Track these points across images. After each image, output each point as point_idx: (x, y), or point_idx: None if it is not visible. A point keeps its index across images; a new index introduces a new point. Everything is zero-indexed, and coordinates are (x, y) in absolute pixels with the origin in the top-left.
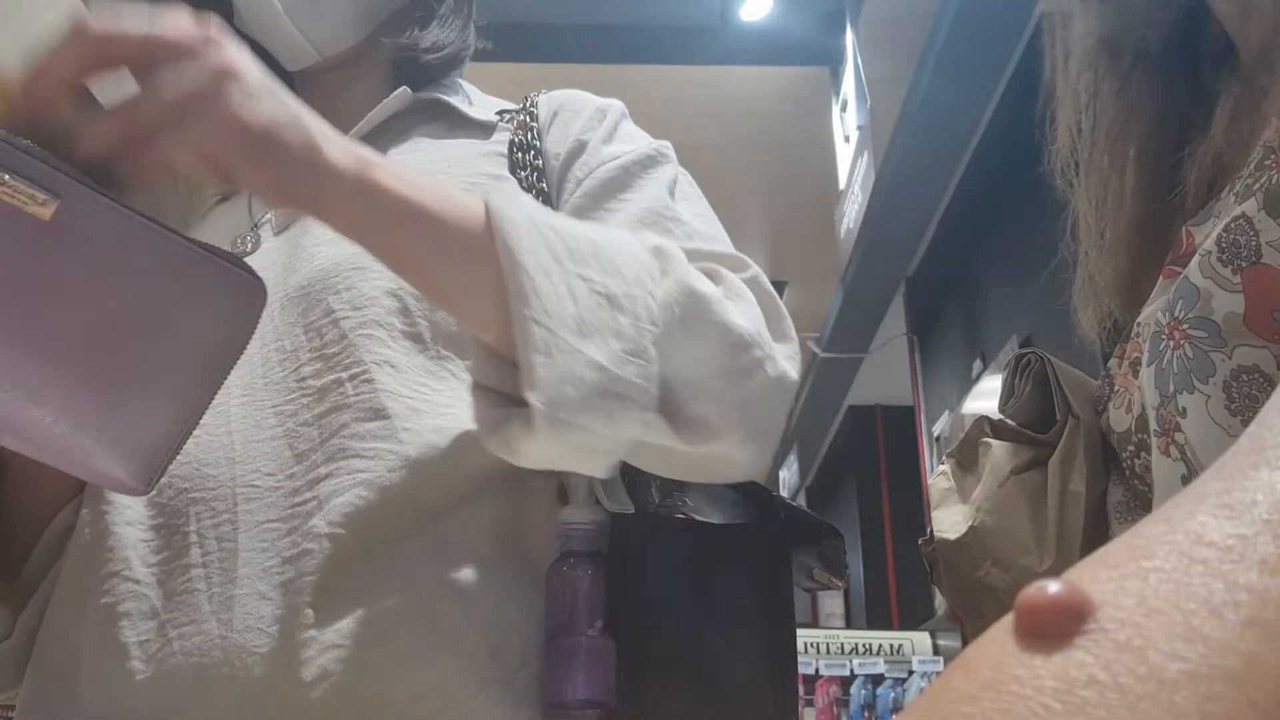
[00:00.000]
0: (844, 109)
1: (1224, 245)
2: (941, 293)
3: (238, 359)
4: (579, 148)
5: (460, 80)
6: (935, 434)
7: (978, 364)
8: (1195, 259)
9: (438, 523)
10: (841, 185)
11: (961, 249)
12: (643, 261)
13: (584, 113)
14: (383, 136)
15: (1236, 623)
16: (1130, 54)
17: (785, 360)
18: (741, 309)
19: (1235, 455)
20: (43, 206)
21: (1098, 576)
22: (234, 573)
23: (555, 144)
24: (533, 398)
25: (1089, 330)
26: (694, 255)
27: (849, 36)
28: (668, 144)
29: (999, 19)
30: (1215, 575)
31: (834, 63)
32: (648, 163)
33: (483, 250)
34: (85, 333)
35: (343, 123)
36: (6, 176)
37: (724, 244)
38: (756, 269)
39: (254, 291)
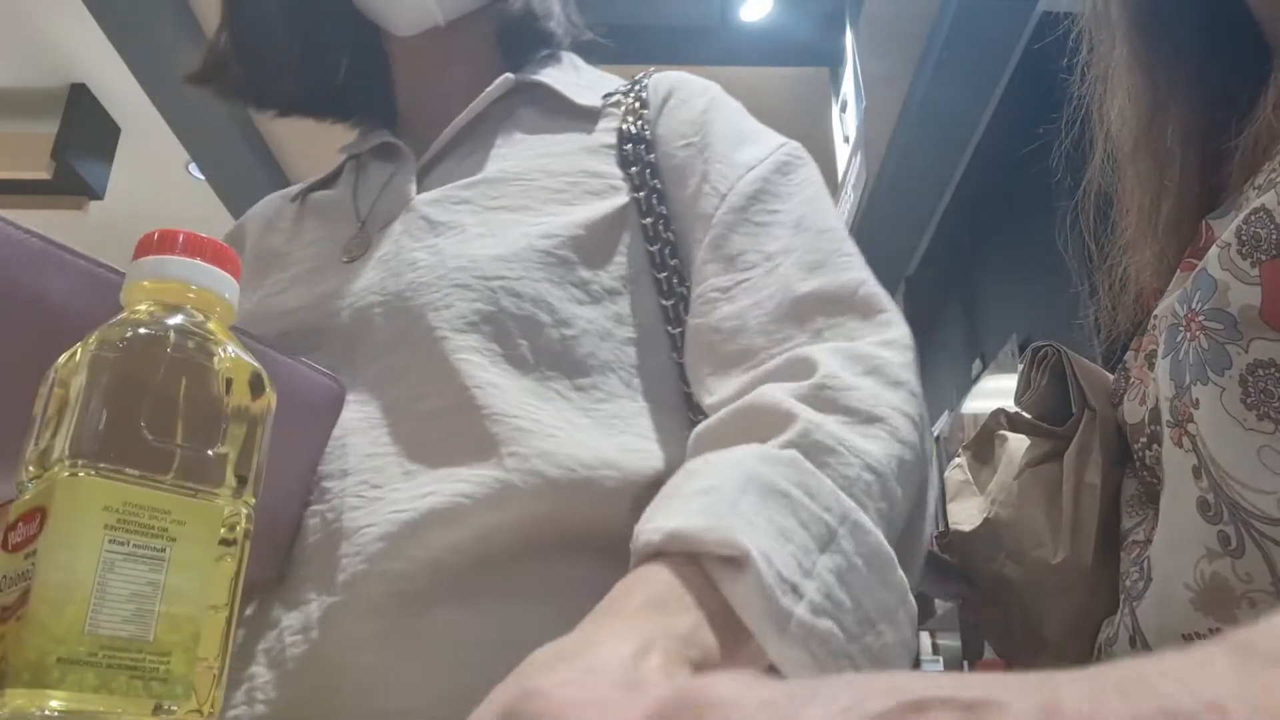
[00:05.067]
0: (843, 109)
1: (1244, 238)
2: (941, 293)
3: (324, 449)
4: (701, 147)
5: (567, 54)
6: (935, 434)
7: (977, 364)
8: (1214, 251)
9: (544, 541)
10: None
11: (961, 249)
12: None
13: (694, 102)
14: (483, 123)
15: None
16: (1164, 40)
17: (908, 431)
18: (876, 443)
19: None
20: None
21: None
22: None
23: (669, 138)
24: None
25: (1119, 324)
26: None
27: (848, 37)
28: (797, 144)
29: (999, 19)
30: None
31: (833, 63)
32: (785, 169)
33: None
34: None
35: (444, 106)
36: None
37: (852, 269)
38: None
39: (336, 394)
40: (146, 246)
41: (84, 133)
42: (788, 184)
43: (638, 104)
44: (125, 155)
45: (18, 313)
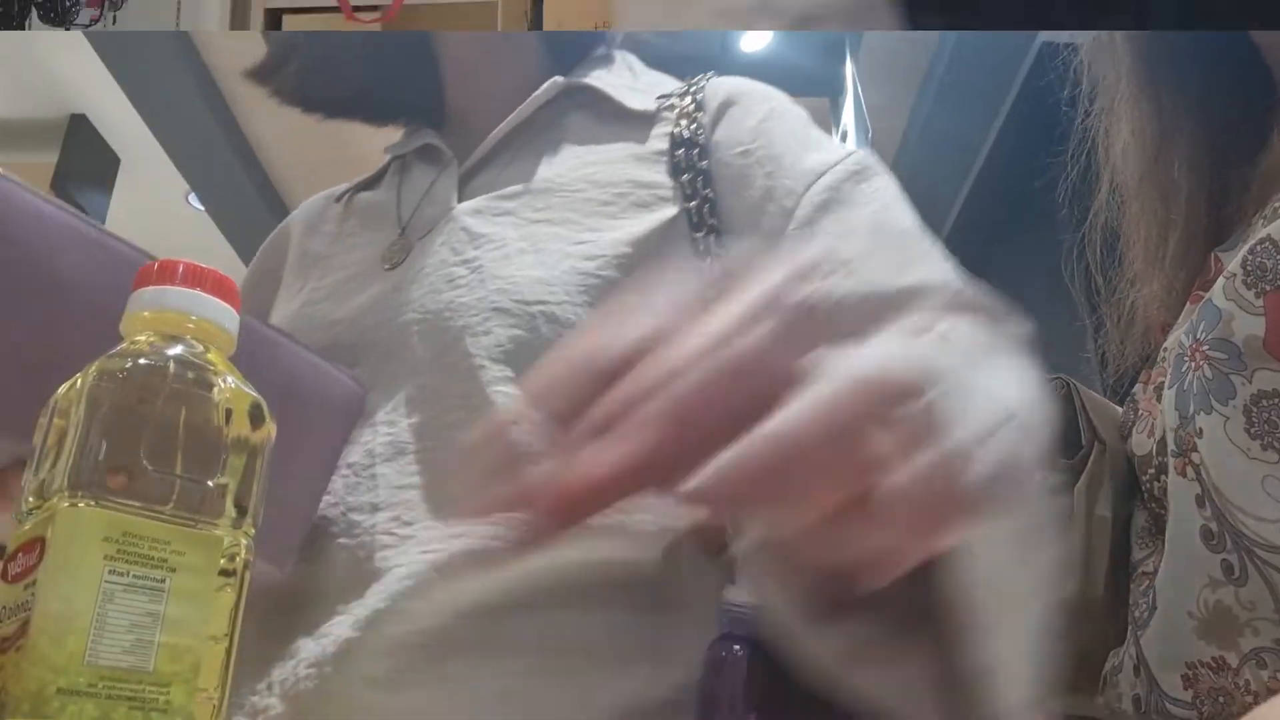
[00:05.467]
0: (844, 139)
1: (1249, 268)
2: None
3: (342, 450)
4: (761, 159)
5: (622, 54)
6: None
7: None
8: (1220, 281)
9: (579, 587)
10: None
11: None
12: None
13: (755, 109)
14: (530, 128)
15: None
16: (1168, 68)
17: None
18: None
19: None
20: None
21: None
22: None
23: (725, 144)
24: None
25: (1128, 358)
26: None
27: (848, 66)
28: (869, 152)
29: (999, 48)
30: None
31: (834, 92)
32: (858, 178)
33: None
34: None
35: (491, 108)
36: None
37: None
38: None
39: (357, 394)
40: (146, 277)
41: (83, 163)
42: (860, 192)
43: (693, 106)
44: (125, 186)
45: (31, 282)
